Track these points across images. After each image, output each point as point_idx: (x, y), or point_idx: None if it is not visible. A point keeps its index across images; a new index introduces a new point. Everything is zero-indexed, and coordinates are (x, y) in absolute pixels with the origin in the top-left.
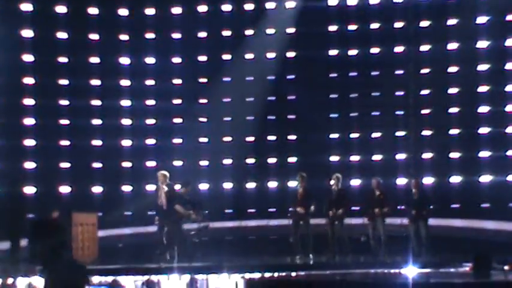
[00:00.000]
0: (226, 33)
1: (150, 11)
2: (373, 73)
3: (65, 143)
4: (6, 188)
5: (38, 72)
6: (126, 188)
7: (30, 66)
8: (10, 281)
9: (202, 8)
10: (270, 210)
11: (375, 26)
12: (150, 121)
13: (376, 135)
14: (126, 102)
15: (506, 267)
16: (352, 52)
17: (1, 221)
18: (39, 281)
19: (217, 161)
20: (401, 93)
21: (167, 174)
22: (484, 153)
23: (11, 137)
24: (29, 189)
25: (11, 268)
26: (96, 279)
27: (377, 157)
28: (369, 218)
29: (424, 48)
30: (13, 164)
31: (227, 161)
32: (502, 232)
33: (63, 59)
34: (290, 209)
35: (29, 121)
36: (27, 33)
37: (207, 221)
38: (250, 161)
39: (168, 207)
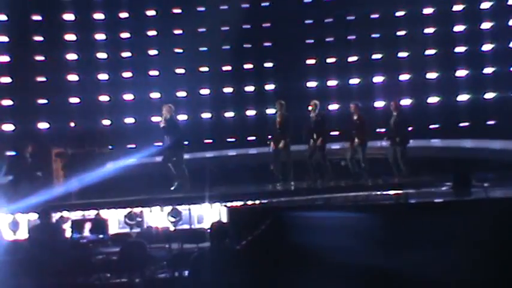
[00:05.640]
0: None
1: None
2: None
3: (41, 79)
4: None
5: (11, 8)
6: (105, 122)
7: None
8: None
9: None
10: (249, 138)
11: None
12: (126, 54)
13: (352, 59)
14: (100, 36)
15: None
16: None
17: None
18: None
19: (194, 91)
20: (377, 15)
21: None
22: (461, 72)
23: None
24: (7, 127)
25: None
26: (78, 213)
27: (354, 81)
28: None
29: None
30: None
31: (204, 91)
32: (481, 150)
33: None
34: (269, 136)
35: (4, 58)
36: None
37: None
38: (228, 90)
39: None
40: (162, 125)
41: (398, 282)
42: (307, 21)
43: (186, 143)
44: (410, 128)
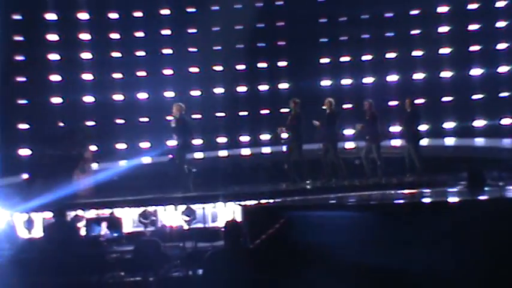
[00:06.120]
0: None
1: None
2: None
3: (56, 78)
4: None
5: (25, 8)
6: (119, 121)
7: None
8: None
9: None
10: (263, 137)
11: None
12: (140, 53)
13: (366, 57)
14: (115, 35)
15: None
16: None
17: None
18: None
19: (208, 90)
20: (391, 14)
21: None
22: (476, 71)
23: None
24: (22, 126)
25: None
26: (92, 212)
27: (368, 80)
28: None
29: None
30: (5, 102)
31: (218, 90)
32: (492, 149)
33: None
34: (285, 136)
35: (19, 57)
36: None
37: None
38: (242, 89)
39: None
40: (173, 124)
41: (413, 282)
42: (321, 20)
43: (194, 142)
44: (425, 127)
